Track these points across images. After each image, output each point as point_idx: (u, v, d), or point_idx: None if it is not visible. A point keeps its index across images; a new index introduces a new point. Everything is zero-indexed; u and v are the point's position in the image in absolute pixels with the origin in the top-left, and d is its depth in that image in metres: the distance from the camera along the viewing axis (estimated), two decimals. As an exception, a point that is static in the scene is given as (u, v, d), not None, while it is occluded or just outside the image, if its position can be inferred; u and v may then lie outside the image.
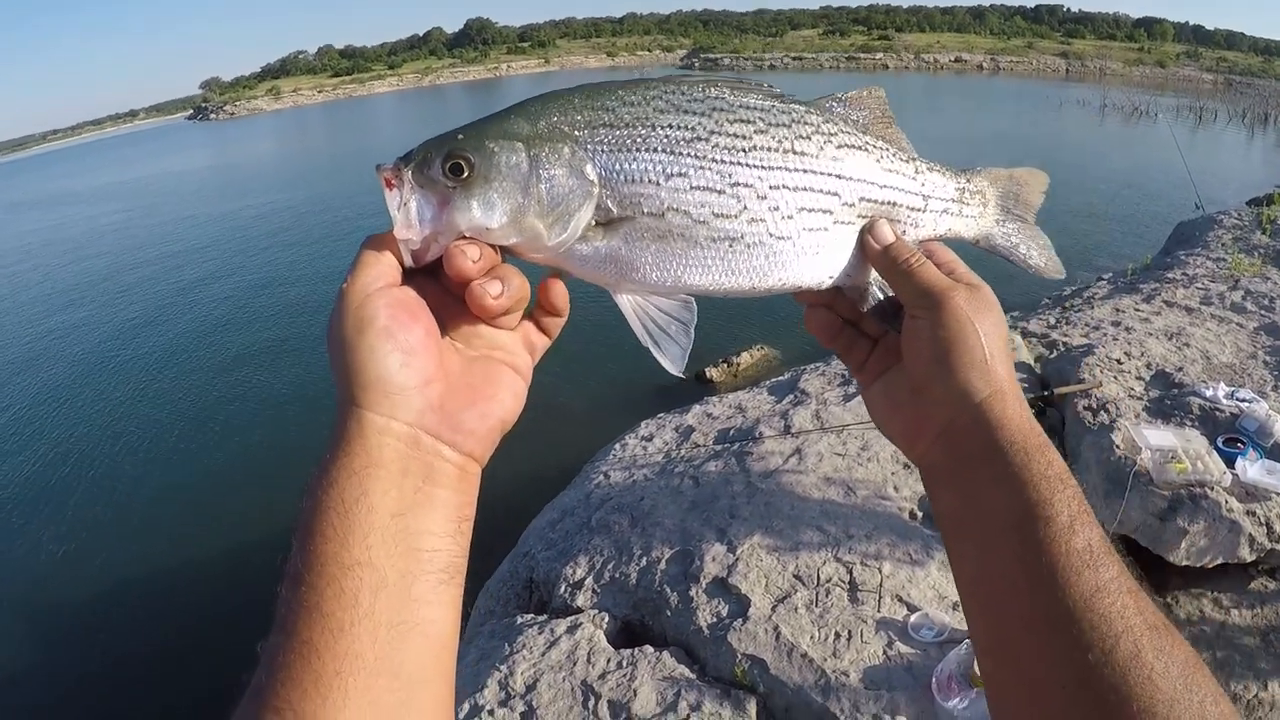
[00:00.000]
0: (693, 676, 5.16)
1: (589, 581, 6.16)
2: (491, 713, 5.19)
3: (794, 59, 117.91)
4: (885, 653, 4.92)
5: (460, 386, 1.02)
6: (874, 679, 4.77)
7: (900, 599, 5.26)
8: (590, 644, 5.54)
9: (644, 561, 6.09)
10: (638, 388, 14.94)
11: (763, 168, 1.12)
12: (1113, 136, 42.34)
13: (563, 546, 6.73)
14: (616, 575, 6.10)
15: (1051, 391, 7.12)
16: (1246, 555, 5.38)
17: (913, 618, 5.08)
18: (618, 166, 1.07)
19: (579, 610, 5.99)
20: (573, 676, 5.31)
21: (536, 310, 1.10)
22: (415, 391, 0.96)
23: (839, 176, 1.18)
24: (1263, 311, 8.89)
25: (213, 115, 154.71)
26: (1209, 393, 6.50)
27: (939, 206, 1.29)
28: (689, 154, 1.08)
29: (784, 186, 1.13)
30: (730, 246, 1.12)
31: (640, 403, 13.37)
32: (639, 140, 1.07)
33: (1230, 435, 5.96)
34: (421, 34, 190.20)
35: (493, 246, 1.04)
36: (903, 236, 1.24)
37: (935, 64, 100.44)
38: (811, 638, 5.09)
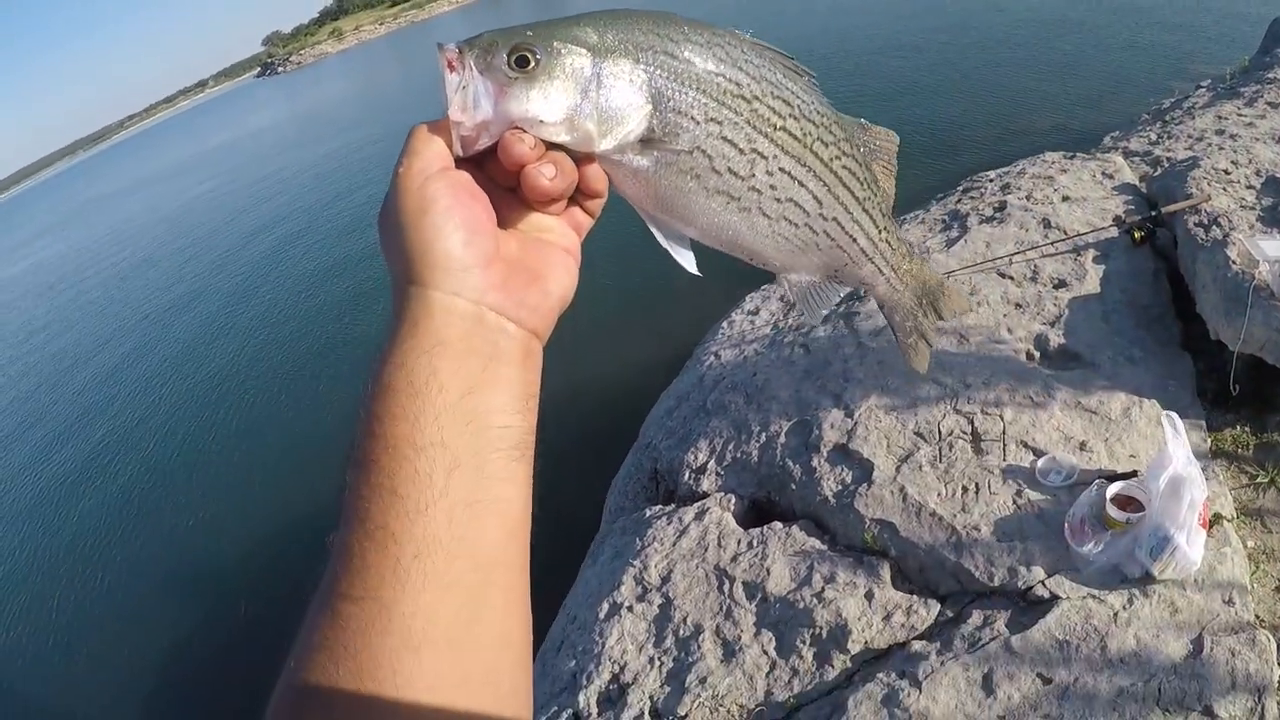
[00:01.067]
0: (824, 548, 5.18)
1: (711, 465, 6.17)
2: (630, 609, 5.28)
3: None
4: (1015, 502, 4.85)
5: (519, 266, 1.03)
6: (1006, 530, 4.71)
7: (1025, 444, 5.17)
8: (719, 527, 5.58)
9: (763, 438, 6.08)
10: (740, 263, 14.83)
11: (781, 149, 1.16)
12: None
13: (682, 433, 6.75)
14: (738, 455, 6.10)
15: (1159, 211, 6.86)
16: (1384, 355, 5.19)
17: (1040, 463, 4.99)
18: (670, 94, 1.10)
19: (705, 495, 6.02)
20: (705, 563, 5.36)
21: (577, 193, 1.10)
22: (479, 270, 0.97)
23: (830, 191, 1.24)
24: (1378, 97, 8.47)
25: (280, 69, 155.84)
26: (1326, 193, 6.22)
27: (880, 264, 1.39)
28: (730, 106, 1.12)
29: (788, 174, 1.18)
30: (727, 204, 1.17)
31: (746, 276, 13.26)
32: (694, 77, 1.10)
33: (1356, 235, 5.72)
34: None
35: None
36: (844, 269, 1.36)
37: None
38: (939, 495, 5.04)
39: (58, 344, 26.74)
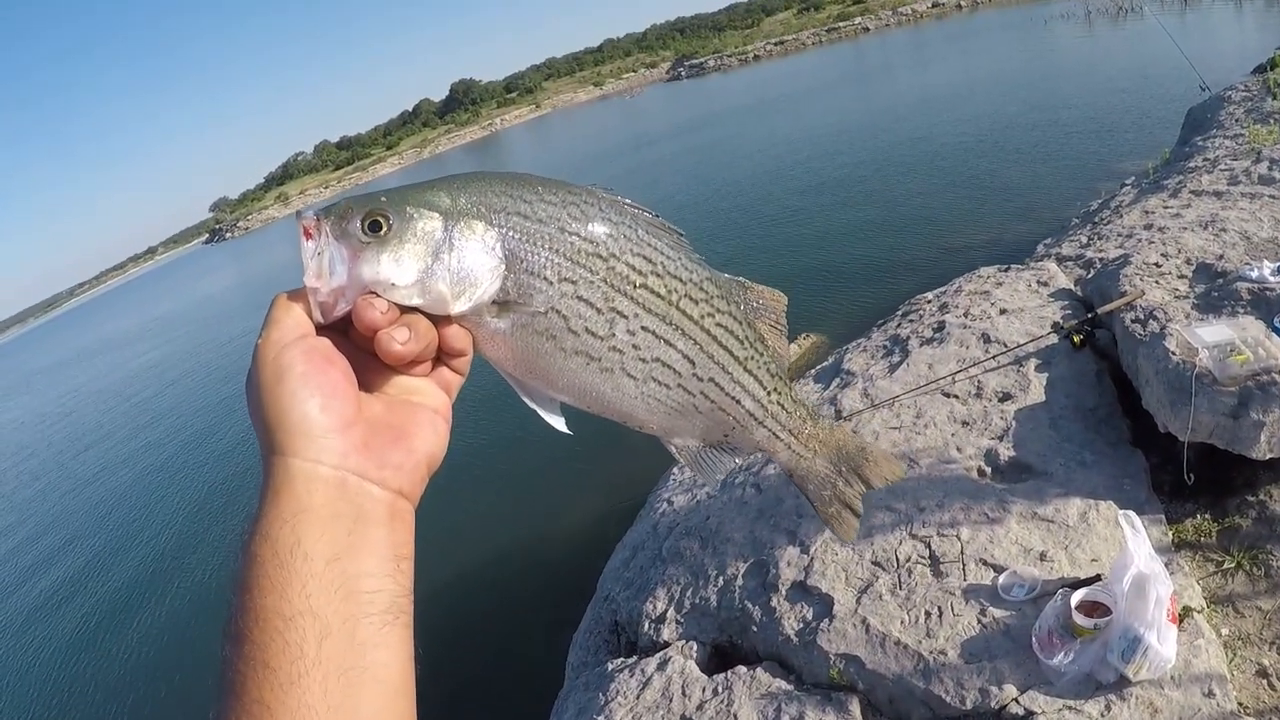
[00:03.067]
0: (790, 688, 5.03)
1: (670, 613, 6.04)
2: (596, 766, 5.09)
3: (775, 44, 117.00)
4: (979, 621, 4.72)
5: (382, 427, 1.01)
6: (973, 651, 4.58)
7: (985, 562, 5.06)
8: (683, 676, 5.43)
9: (720, 581, 5.95)
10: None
11: (642, 307, 1.13)
12: (1104, 41, 41.58)
13: (639, 583, 6.63)
14: (696, 601, 5.98)
15: (1095, 312, 6.88)
16: (1328, 434, 5.13)
17: (1000, 579, 4.89)
18: (523, 255, 1.09)
19: (666, 644, 5.88)
20: (670, 713, 5.20)
21: (441, 353, 1.09)
22: (337, 435, 0.95)
23: (702, 350, 1.20)
24: (1293, 177, 8.61)
25: (228, 234, 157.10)
26: (1254, 273, 6.24)
27: (775, 429, 1.31)
28: (585, 265, 1.10)
29: (652, 332, 1.15)
30: (587, 364, 1.14)
31: None
32: (547, 237, 1.09)
33: (1284, 315, 5.71)
34: (411, 108, 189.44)
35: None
36: (733, 433, 1.29)
37: (914, 14, 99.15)
38: (902, 622, 4.91)
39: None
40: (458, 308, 1.06)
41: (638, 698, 5.39)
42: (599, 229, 1.11)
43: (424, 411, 1.07)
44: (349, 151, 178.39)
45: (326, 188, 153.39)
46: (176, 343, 45.54)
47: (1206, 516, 5.40)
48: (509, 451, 15.56)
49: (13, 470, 33.02)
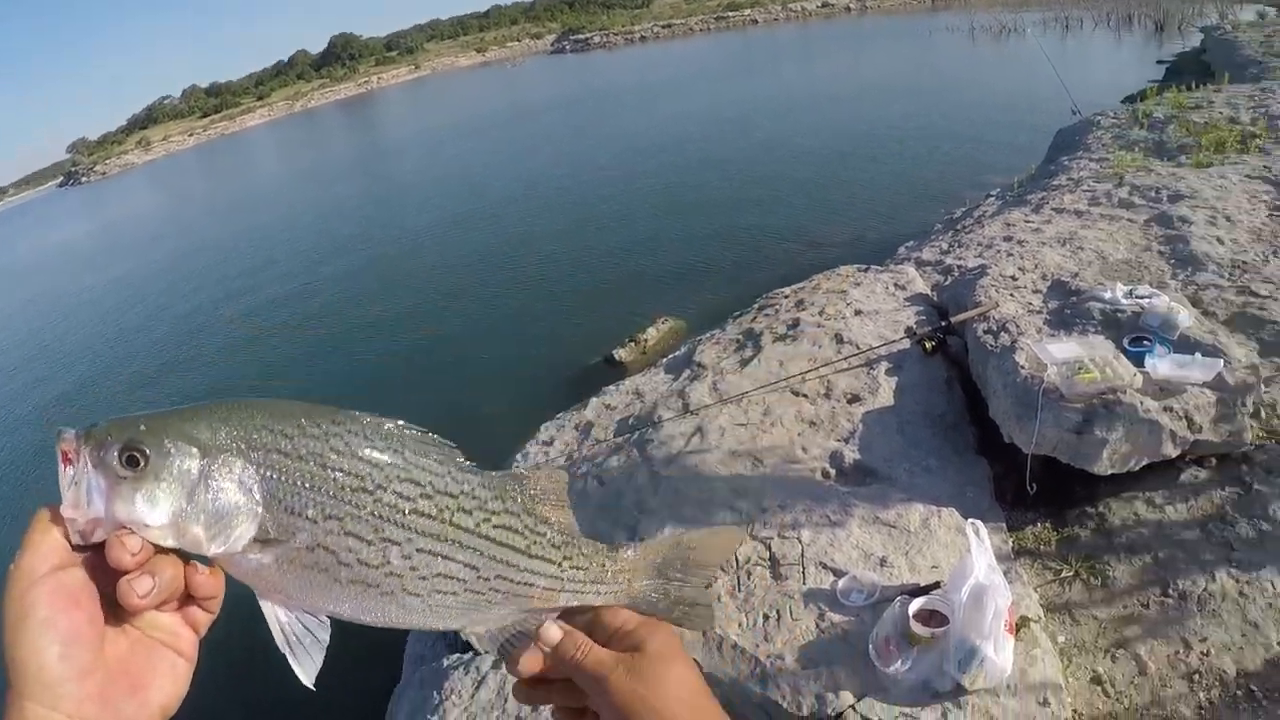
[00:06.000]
0: (625, 690, 4.87)
1: None
2: (430, 777, 4.93)
3: (664, 27, 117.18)
4: (818, 626, 4.64)
5: (119, 675, 0.97)
6: (811, 656, 4.49)
7: (825, 566, 4.99)
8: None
9: None
10: (546, 383, 14.77)
11: (415, 531, 1.11)
12: (984, 58, 42.54)
13: None
14: None
15: (949, 320, 6.91)
16: (1171, 451, 5.20)
17: (840, 583, 4.82)
18: (282, 495, 1.05)
19: None
20: (505, 714, 5.03)
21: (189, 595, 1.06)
22: (74, 683, 0.91)
23: (483, 554, 1.18)
24: (1150, 204, 8.85)
25: (84, 178, 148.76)
26: (1108, 295, 6.31)
27: (577, 589, 1.28)
28: (350, 502, 1.07)
29: (429, 552, 1.12)
30: (365, 590, 1.11)
31: (540, 403, 13.27)
32: (308, 476, 1.06)
33: (1135, 335, 5.77)
34: (286, 59, 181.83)
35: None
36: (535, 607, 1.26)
37: (803, 12, 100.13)
38: (740, 625, 4.80)
39: None
40: (214, 549, 1.02)
41: (472, 697, 5.22)
42: (363, 462, 1.09)
43: (166, 654, 1.03)
44: (218, 99, 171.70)
45: (190, 135, 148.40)
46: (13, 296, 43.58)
47: (1047, 525, 5.48)
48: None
49: None
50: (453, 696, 5.29)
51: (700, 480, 6.06)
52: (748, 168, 25.49)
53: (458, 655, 5.84)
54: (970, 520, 4.39)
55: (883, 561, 4.90)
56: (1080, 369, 5.35)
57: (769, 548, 5.21)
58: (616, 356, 14.57)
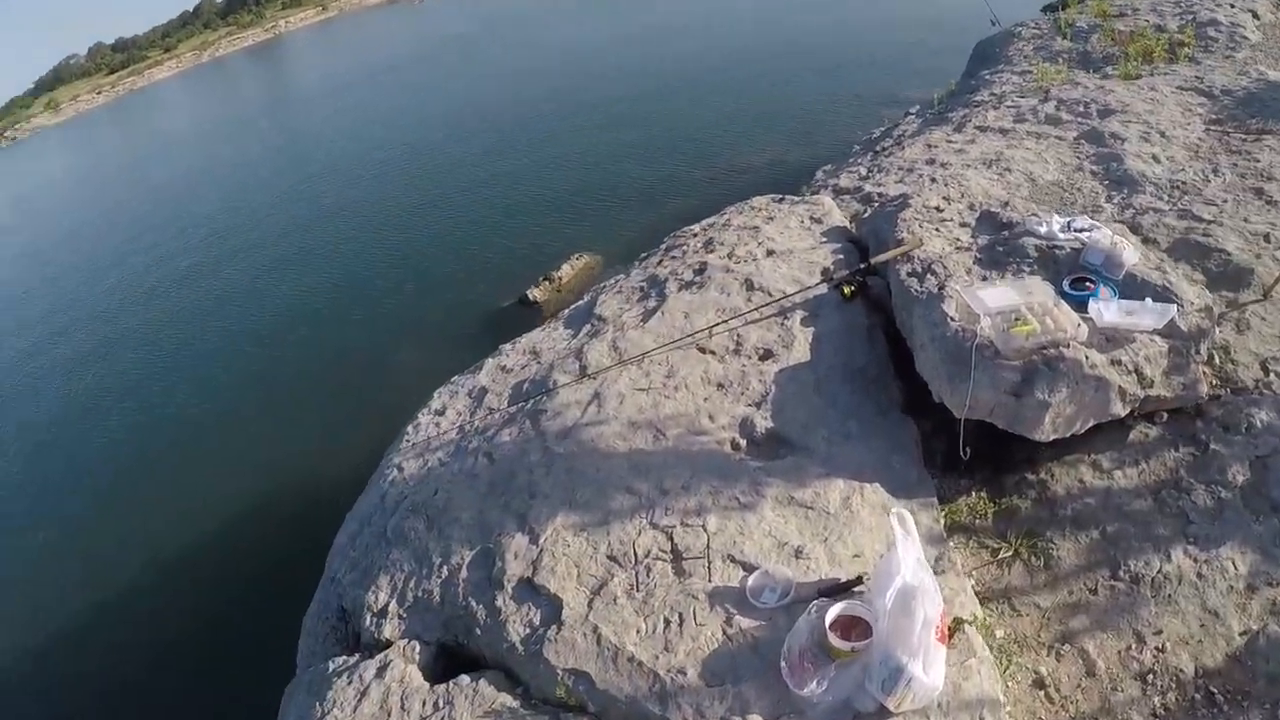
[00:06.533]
0: (516, 704, 4.32)
1: (393, 607, 5.25)
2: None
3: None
4: (725, 632, 4.08)
5: None
6: (716, 669, 3.94)
7: (733, 559, 4.41)
8: (403, 685, 4.69)
9: (445, 572, 5.19)
10: (458, 329, 14.32)
11: None
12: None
13: (365, 565, 5.81)
14: (420, 594, 5.19)
15: (869, 262, 6.27)
16: (1120, 410, 4.60)
17: (750, 580, 4.24)
18: None
19: (387, 644, 5.11)
20: None
21: None
22: None
23: None
24: (1079, 119, 8.26)
25: None
26: (1043, 229, 5.66)
27: None
28: None
29: None
30: None
31: (467, 342, 12.81)
32: None
33: (1076, 275, 5.15)
34: (192, 8, 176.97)
35: None
36: None
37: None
38: (638, 632, 4.23)
39: None
40: None
41: (354, 710, 4.66)
42: None
43: None
44: (125, 54, 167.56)
45: (100, 93, 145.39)
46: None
47: (983, 495, 4.90)
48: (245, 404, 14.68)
49: None
50: (335, 709, 4.72)
51: (597, 457, 5.42)
52: (660, 90, 24.89)
53: (344, 659, 5.24)
54: (895, 510, 3.83)
55: (798, 552, 4.33)
56: (1017, 319, 4.70)
57: (671, 538, 4.62)
58: (531, 296, 14.35)
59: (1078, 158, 7.40)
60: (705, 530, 4.56)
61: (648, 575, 4.46)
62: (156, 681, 9.94)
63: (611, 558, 4.65)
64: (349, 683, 4.85)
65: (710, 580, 4.32)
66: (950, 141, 8.67)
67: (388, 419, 8.97)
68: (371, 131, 34.25)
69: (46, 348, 21.54)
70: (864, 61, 21.30)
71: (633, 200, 17.12)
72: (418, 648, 4.94)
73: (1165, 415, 4.84)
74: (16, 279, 31.24)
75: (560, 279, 14.43)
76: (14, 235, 41.80)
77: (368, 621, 5.28)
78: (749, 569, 4.30)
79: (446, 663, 4.93)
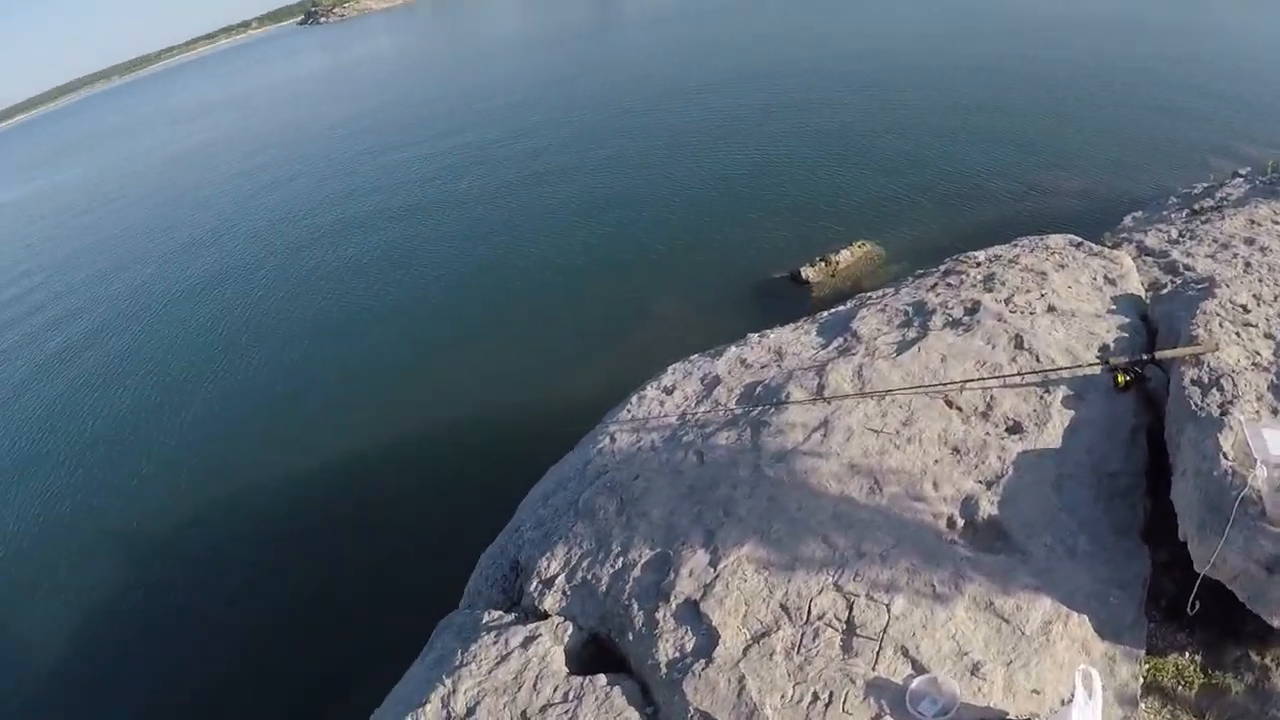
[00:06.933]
0: (640, 724, 4.21)
1: (561, 580, 5.25)
2: (427, 733, 4.57)
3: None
4: (869, 730, 3.77)
5: None
6: (843, 768, 3.67)
7: (905, 652, 4.12)
8: (541, 665, 4.68)
9: (620, 563, 5.11)
10: (724, 289, 14.18)
11: None
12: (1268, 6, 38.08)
13: (549, 527, 5.81)
14: (589, 576, 5.15)
15: (1152, 354, 5.69)
16: (1389, 614, 4.01)
17: (915, 683, 3.95)
18: None
19: (544, 615, 5.12)
20: (514, 704, 4.49)
21: None
22: None
23: None
24: None
25: (323, 19, 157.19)
26: (1362, 365, 4.99)
27: None
28: None
29: None
30: None
31: (730, 304, 12.73)
32: None
33: (1383, 436, 4.50)
34: None
35: None
36: None
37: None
38: (783, 697, 4.03)
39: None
40: None
41: (490, 673, 4.69)
42: None
43: None
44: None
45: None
46: (250, 121, 45.07)
47: (1197, 659, 4.39)
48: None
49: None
50: (472, 664, 4.80)
51: (804, 493, 5.16)
52: (974, 91, 23.61)
53: (500, 613, 5.32)
54: (1081, 667, 3.47)
55: (976, 668, 4.00)
56: (1297, 479, 4.15)
57: (851, 607, 4.35)
58: (803, 274, 14.09)
59: None
60: (889, 611, 4.26)
61: (814, 639, 4.21)
62: (335, 576, 10.30)
63: (784, 607, 4.41)
64: (494, 642, 4.88)
65: (875, 668, 4.04)
66: (1277, 223, 7.82)
67: (625, 369, 8.90)
68: (694, 71, 34.14)
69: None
70: (1199, 104, 19.49)
71: (929, 200, 16.44)
72: (570, 629, 4.91)
73: None
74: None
75: (837, 263, 14.04)
76: (335, 100, 43.95)
77: (533, 586, 5.28)
78: (919, 670, 4.00)
79: (595, 651, 4.87)
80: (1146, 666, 4.27)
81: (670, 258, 16.19)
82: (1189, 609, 4.22)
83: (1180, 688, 4.25)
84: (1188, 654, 4.40)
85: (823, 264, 14.09)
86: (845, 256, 14.14)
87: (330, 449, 12.83)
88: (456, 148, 29.24)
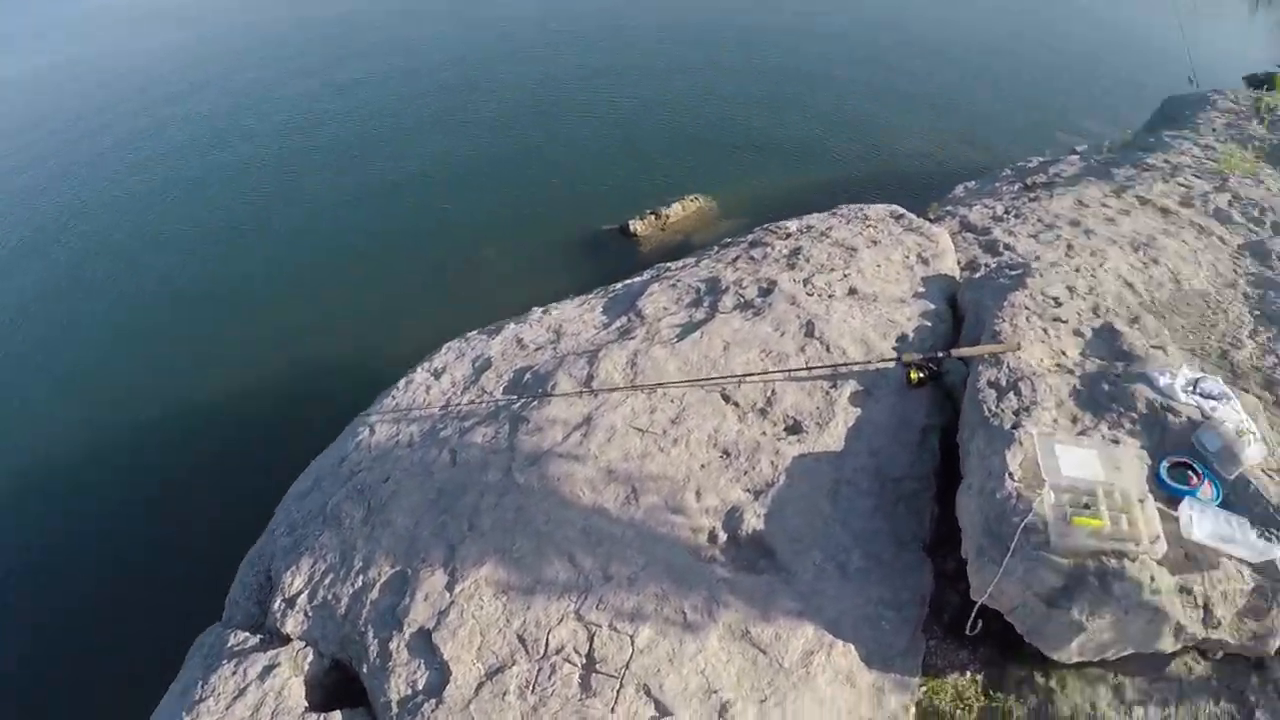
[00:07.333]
0: (373, 768, 3.77)
1: (303, 600, 4.71)
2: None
3: None
4: (594, 786, 3.37)
5: None
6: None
7: (648, 692, 3.70)
8: (278, 700, 4.20)
9: (360, 581, 4.61)
10: (551, 242, 13.71)
11: None
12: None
13: (299, 535, 5.26)
14: (330, 597, 4.64)
15: (949, 352, 5.34)
16: (1168, 646, 3.71)
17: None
18: None
19: (285, 640, 4.60)
20: None
21: None
22: None
23: None
24: (1251, 225, 7.28)
25: None
26: (1163, 380, 4.66)
27: None
28: None
29: None
30: None
31: (556, 257, 12.23)
32: None
33: (1180, 460, 4.18)
34: None
35: None
36: None
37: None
38: (515, 745, 3.52)
39: None
40: None
41: (227, 709, 4.19)
42: None
43: None
44: None
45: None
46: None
47: (978, 680, 4.08)
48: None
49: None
50: (210, 699, 4.28)
51: (554, 503, 4.71)
52: (828, 52, 23.43)
53: (245, 635, 4.76)
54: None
55: (724, 709, 3.62)
56: (1087, 506, 3.80)
57: (592, 640, 3.93)
58: (632, 228, 13.79)
59: (1234, 271, 6.42)
60: (632, 644, 3.85)
61: (550, 676, 3.78)
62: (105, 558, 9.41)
63: (521, 638, 3.98)
64: (233, 672, 4.40)
65: (613, 710, 3.62)
66: (1105, 205, 7.75)
67: (439, 328, 8.22)
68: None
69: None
70: (1054, 76, 19.79)
71: (764, 156, 16.13)
72: (310, 656, 4.43)
73: (1221, 653, 3.91)
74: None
75: (667, 216, 13.69)
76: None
77: (277, 605, 4.77)
78: (660, 713, 3.58)
79: (336, 682, 4.41)
80: (923, 689, 3.96)
81: (495, 203, 15.56)
82: (969, 630, 3.90)
83: (959, 711, 3.92)
84: (969, 673, 4.10)
85: (653, 217, 13.74)
86: (676, 210, 13.82)
87: (87, 421, 11.66)
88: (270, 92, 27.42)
